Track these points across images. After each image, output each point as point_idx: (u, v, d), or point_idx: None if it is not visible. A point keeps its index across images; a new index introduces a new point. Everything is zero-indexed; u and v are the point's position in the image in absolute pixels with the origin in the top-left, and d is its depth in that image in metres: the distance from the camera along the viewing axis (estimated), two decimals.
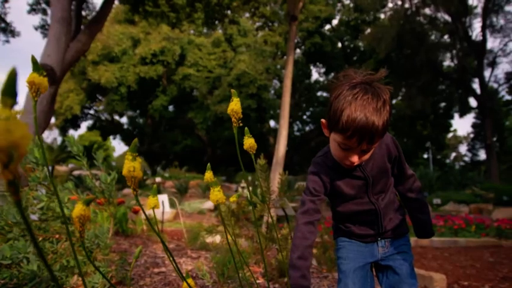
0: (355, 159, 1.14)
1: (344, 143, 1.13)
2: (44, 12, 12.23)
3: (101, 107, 28.51)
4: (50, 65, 4.91)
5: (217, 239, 2.99)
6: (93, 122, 29.97)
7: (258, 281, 2.33)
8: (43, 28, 12.86)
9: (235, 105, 1.08)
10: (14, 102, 0.36)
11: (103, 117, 30.04)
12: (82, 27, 5.98)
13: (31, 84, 0.79)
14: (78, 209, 0.73)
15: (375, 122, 1.07)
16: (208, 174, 1.10)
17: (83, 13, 6.01)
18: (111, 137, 33.16)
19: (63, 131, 27.65)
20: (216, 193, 0.96)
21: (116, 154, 52.72)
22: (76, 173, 15.51)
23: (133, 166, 0.79)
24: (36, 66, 0.81)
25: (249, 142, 1.11)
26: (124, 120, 31.23)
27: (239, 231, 2.74)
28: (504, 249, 5.62)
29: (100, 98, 28.00)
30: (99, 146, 35.34)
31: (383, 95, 1.13)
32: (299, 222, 1.25)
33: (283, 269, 2.37)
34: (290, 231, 2.58)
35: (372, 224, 1.32)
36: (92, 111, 29.29)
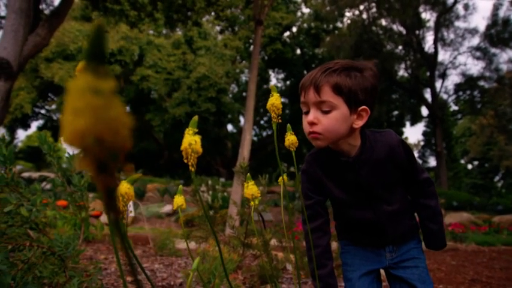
0: (310, 116, 1.08)
1: (301, 103, 1.13)
2: None
3: (53, 106, 27.20)
4: (6, 59, 4.57)
5: (192, 245, 2.87)
6: (45, 122, 28.55)
7: None
8: None
9: (275, 100, 1.01)
10: (106, 69, 0.23)
11: (55, 117, 28.72)
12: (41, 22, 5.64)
13: None
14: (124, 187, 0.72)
15: (318, 72, 1.08)
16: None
17: (40, 7, 5.66)
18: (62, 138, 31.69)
19: (11, 131, 26.20)
20: (251, 187, 0.87)
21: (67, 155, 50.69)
22: (25, 174, 14.71)
23: (194, 139, 0.72)
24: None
25: (291, 139, 1.05)
26: None
27: (217, 235, 2.64)
28: (461, 252, 5.85)
29: (53, 97, 26.73)
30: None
31: (354, 64, 1.12)
32: (305, 232, 1.19)
33: (265, 276, 2.30)
34: (272, 236, 2.51)
35: (375, 232, 1.23)
36: (43, 111, 27.94)
